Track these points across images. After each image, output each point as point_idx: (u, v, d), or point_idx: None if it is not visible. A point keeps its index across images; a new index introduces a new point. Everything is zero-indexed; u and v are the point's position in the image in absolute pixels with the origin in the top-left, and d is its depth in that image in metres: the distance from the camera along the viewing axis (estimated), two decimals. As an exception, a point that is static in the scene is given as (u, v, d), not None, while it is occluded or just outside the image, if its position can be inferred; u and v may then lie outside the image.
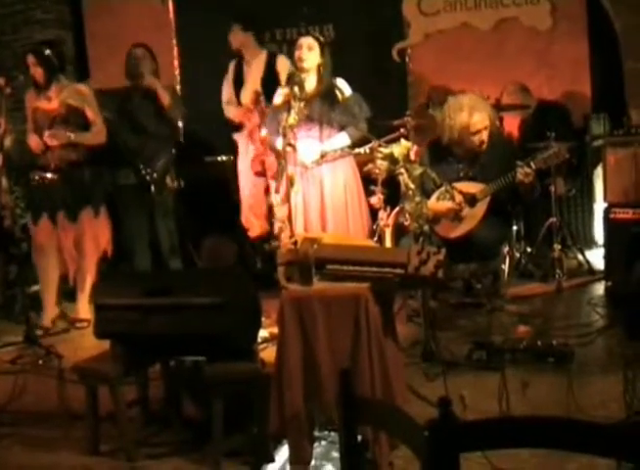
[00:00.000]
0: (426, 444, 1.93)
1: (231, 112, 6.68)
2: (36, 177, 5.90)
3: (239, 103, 6.60)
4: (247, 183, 6.50)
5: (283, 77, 5.92)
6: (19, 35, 7.59)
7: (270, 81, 6.31)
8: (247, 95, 6.47)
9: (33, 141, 5.87)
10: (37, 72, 5.87)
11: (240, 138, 6.58)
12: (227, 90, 6.75)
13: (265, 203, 5.98)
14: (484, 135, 5.17)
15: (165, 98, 6.28)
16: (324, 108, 5.32)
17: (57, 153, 5.84)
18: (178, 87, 7.86)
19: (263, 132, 5.87)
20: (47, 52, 5.88)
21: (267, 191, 5.84)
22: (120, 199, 6.41)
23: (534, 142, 6.13)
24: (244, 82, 6.60)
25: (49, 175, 5.87)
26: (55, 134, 5.80)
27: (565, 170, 6.30)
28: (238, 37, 6.64)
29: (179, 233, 6.62)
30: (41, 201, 5.94)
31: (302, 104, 5.07)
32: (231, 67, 6.76)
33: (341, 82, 5.45)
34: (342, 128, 5.38)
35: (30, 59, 5.89)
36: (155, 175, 6.26)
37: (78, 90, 6.00)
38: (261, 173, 6.06)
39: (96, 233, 6.01)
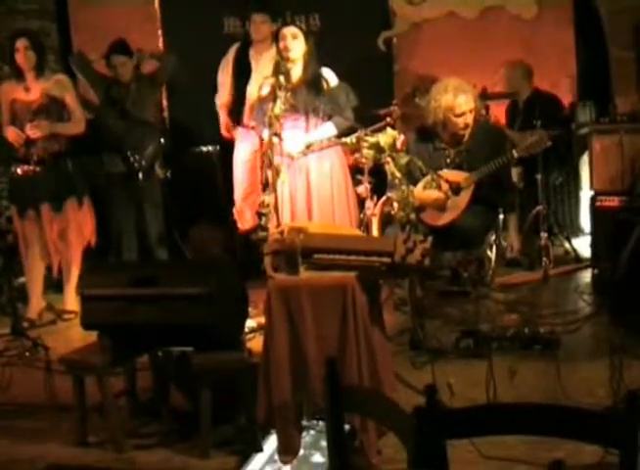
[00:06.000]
0: (413, 431, 1.94)
1: (222, 117, 6.61)
2: (18, 170, 5.82)
3: (235, 97, 6.45)
4: (243, 174, 6.32)
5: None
6: (1, 26, 7.50)
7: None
8: (255, 90, 5.97)
9: (12, 133, 5.72)
10: (28, 57, 5.71)
11: (240, 130, 6.41)
12: (224, 89, 6.54)
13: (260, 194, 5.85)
14: (469, 118, 5.12)
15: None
16: (310, 97, 5.30)
17: (39, 144, 5.74)
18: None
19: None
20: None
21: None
22: (108, 187, 6.35)
23: (522, 131, 6.14)
24: (249, 75, 6.31)
25: (32, 167, 5.78)
26: (38, 125, 5.68)
27: (552, 159, 6.30)
28: (267, 28, 6.32)
29: (166, 223, 6.57)
30: (25, 193, 5.84)
31: (288, 94, 5.06)
32: (231, 56, 6.54)
33: (327, 72, 5.43)
34: (328, 118, 5.36)
35: (22, 42, 5.71)
36: (143, 162, 6.20)
37: (58, 80, 5.88)
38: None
39: (80, 223, 5.96)
